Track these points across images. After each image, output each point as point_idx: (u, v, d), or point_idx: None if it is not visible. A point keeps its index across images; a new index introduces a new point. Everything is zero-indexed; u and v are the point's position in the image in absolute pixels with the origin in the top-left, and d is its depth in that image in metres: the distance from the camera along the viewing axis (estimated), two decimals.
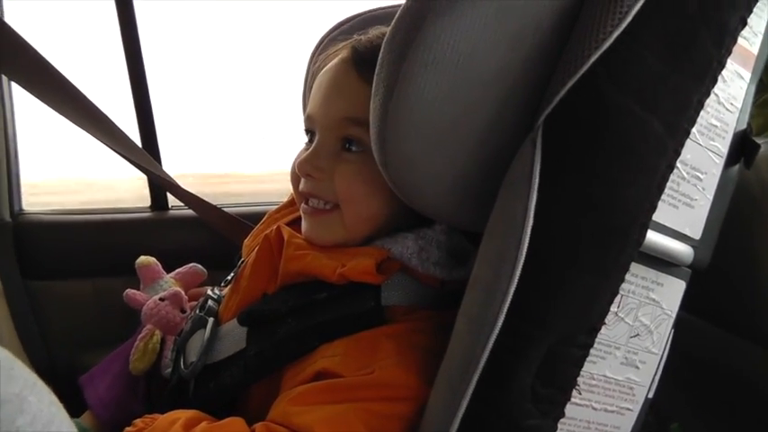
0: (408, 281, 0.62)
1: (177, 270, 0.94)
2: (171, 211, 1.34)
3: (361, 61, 0.62)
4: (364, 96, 0.54)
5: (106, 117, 1.13)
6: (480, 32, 0.45)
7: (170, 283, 0.90)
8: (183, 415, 0.58)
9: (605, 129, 0.43)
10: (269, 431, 0.54)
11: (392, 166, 0.52)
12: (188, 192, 1.18)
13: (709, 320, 0.73)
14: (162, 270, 0.92)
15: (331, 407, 0.53)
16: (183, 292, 0.85)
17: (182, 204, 1.23)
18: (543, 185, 0.43)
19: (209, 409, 0.61)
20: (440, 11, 0.45)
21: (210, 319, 0.71)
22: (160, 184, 1.26)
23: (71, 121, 1.11)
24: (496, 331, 0.43)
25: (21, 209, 1.31)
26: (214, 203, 1.21)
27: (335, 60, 0.65)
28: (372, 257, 0.61)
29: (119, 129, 1.14)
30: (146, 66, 1.29)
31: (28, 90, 1.11)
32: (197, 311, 0.75)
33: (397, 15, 0.48)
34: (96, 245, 1.30)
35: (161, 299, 0.83)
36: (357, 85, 0.61)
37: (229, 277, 0.78)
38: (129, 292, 0.87)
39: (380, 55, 0.49)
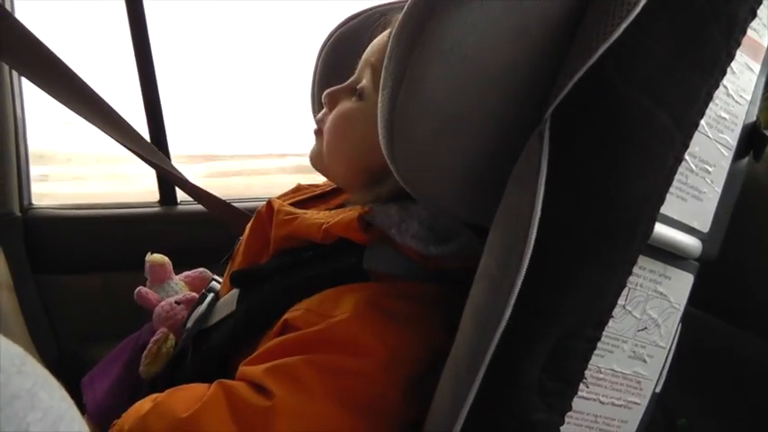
0: (390, 250, 0.63)
1: (186, 273, 0.95)
2: (179, 206, 1.35)
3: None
4: (382, 47, 0.65)
5: (115, 112, 1.13)
6: (488, 25, 0.45)
7: (180, 285, 0.90)
8: (153, 396, 0.60)
9: (613, 121, 0.43)
10: (223, 387, 0.56)
11: (399, 158, 0.52)
12: (196, 186, 1.18)
13: (717, 315, 0.73)
14: (172, 271, 0.92)
15: (283, 359, 0.55)
16: (197, 297, 0.84)
17: (190, 199, 1.23)
18: (551, 178, 0.43)
19: (203, 374, 0.63)
20: (447, 4, 0.45)
21: (210, 294, 0.75)
22: (169, 179, 1.26)
23: (80, 115, 1.12)
24: (503, 324, 0.43)
25: (30, 203, 1.32)
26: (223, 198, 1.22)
27: None
28: (356, 212, 0.62)
29: (128, 123, 1.15)
30: (155, 60, 1.29)
31: (37, 85, 1.12)
32: (202, 291, 0.79)
33: (405, 9, 0.48)
34: (105, 239, 1.31)
35: (177, 302, 0.83)
36: (385, 38, 0.68)
37: (226, 257, 0.81)
38: (142, 290, 0.86)
39: (389, 48, 0.49)
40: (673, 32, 0.44)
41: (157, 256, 0.92)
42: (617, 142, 0.43)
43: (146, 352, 0.78)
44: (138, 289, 0.86)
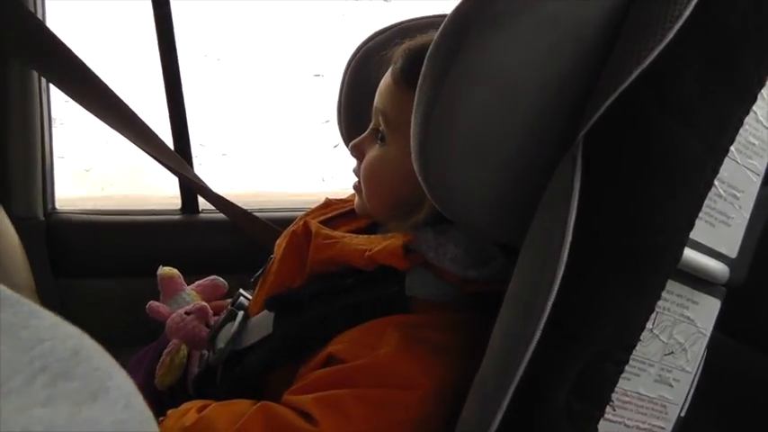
0: (429, 275, 0.64)
1: (198, 282, 0.95)
2: (201, 215, 1.36)
3: (396, 66, 0.68)
4: (389, 93, 0.67)
5: (139, 119, 1.15)
6: (520, 47, 0.46)
7: (192, 295, 0.91)
8: (195, 404, 0.62)
9: (646, 146, 0.43)
10: (268, 409, 0.57)
11: (431, 178, 0.53)
12: (218, 195, 1.19)
13: (743, 341, 0.72)
14: (183, 282, 0.93)
15: (329, 391, 0.56)
16: (208, 307, 0.85)
17: (212, 208, 1.24)
18: (582, 202, 0.43)
19: (236, 394, 0.64)
20: (482, 26, 0.46)
21: (240, 312, 0.74)
22: (191, 187, 1.27)
23: (105, 122, 1.14)
24: (533, 346, 0.43)
25: (54, 208, 1.34)
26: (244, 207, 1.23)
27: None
28: (399, 240, 0.63)
29: (152, 131, 1.16)
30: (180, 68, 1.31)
31: (65, 92, 1.14)
32: (229, 307, 0.78)
33: (440, 30, 0.49)
34: (126, 245, 1.32)
35: (187, 313, 0.83)
36: (389, 83, 0.68)
37: (258, 274, 0.81)
38: (153, 304, 0.87)
39: (423, 68, 0.50)
40: (706, 59, 0.44)
41: (167, 270, 0.93)
42: (649, 167, 0.43)
43: (159, 363, 0.79)
44: (149, 303, 0.87)
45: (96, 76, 1.12)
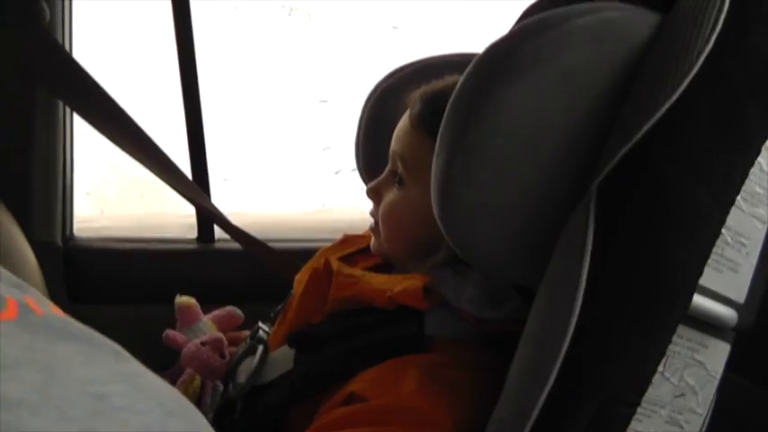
0: (448, 315, 0.65)
1: (214, 312, 0.96)
2: (217, 244, 1.38)
3: (414, 110, 0.70)
4: (408, 138, 0.70)
5: (161, 150, 1.18)
6: (539, 99, 0.49)
7: (208, 325, 0.92)
8: None
9: (657, 197, 0.46)
10: None
11: (449, 222, 0.55)
12: (234, 225, 1.21)
13: (755, 381, 0.74)
14: (200, 312, 0.94)
15: (352, 429, 0.57)
16: (223, 338, 0.85)
17: (227, 237, 1.26)
18: (596, 249, 0.45)
19: (254, 429, 0.67)
20: (503, 77, 0.48)
21: (260, 347, 0.75)
22: (208, 217, 1.29)
23: (127, 152, 1.16)
24: (548, 389, 0.44)
25: (71, 234, 1.36)
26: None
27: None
28: (420, 281, 0.65)
29: (170, 160, 1.19)
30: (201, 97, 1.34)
31: (88, 122, 1.17)
32: (248, 341, 0.79)
33: (462, 79, 0.51)
34: (142, 273, 1.34)
35: (202, 343, 0.84)
36: (406, 127, 0.71)
37: (278, 309, 0.83)
38: (170, 333, 0.88)
39: (446, 115, 0.52)
40: (713, 113, 0.47)
41: (185, 299, 0.94)
42: (660, 217, 0.46)
43: None
44: (165, 332, 0.88)
45: (120, 108, 1.15)
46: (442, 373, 0.61)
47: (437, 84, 0.71)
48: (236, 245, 1.25)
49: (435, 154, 0.53)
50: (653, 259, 0.46)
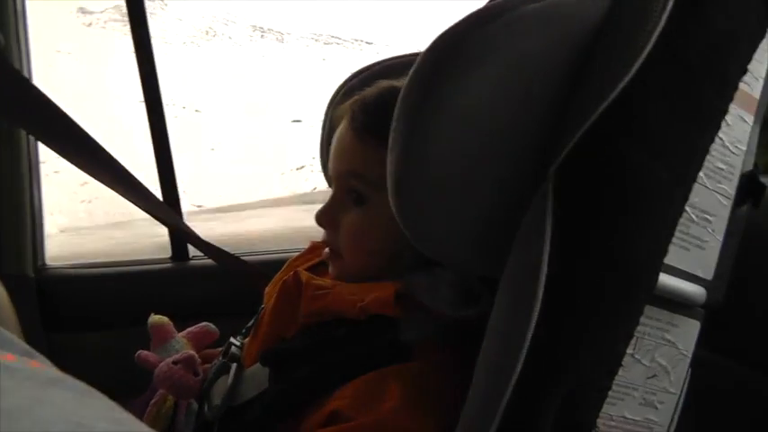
0: (423, 317, 0.64)
1: (188, 329, 0.94)
2: (191, 261, 1.36)
3: (357, 123, 0.67)
4: (360, 153, 0.66)
5: (126, 170, 1.16)
6: (490, 89, 0.48)
7: (181, 343, 0.89)
8: None
9: (614, 179, 0.45)
10: None
11: (408, 217, 0.55)
12: (207, 242, 1.20)
13: (731, 358, 0.73)
14: (173, 330, 0.91)
15: None
16: (195, 355, 0.83)
17: (201, 254, 1.25)
18: (555, 236, 0.44)
19: None
20: (453, 67, 0.47)
21: (234, 365, 0.73)
22: (180, 236, 1.28)
23: (91, 175, 1.14)
24: (514, 379, 0.44)
25: (44, 263, 1.34)
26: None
27: (343, 120, 0.71)
28: (390, 289, 0.63)
29: (139, 182, 1.17)
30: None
31: (53, 149, 1.15)
32: (220, 358, 0.77)
33: (411, 72, 0.50)
34: (118, 297, 1.32)
35: (174, 362, 0.82)
36: (354, 142, 0.68)
37: (250, 324, 0.80)
38: (142, 353, 0.86)
39: (396, 110, 0.51)
40: (668, 92, 0.46)
41: (157, 318, 0.92)
42: (618, 198, 0.45)
43: (145, 415, 0.78)
44: (137, 353, 0.86)
45: (86, 133, 1.13)
46: (423, 383, 0.60)
47: (371, 91, 0.69)
48: (210, 261, 1.24)
49: (389, 150, 0.52)
50: (613, 243, 0.45)
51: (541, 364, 0.44)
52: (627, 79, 0.44)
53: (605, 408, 0.48)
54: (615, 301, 0.45)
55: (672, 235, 0.48)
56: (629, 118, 0.45)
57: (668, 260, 0.48)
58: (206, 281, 1.34)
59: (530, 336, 0.43)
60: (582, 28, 0.51)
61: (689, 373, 0.54)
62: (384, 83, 0.69)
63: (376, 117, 0.65)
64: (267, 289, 0.79)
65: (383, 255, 0.69)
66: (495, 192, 0.52)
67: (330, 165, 0.72)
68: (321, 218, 0.71)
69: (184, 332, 0.93)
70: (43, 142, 1.20)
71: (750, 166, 0.56)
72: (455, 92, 0.48)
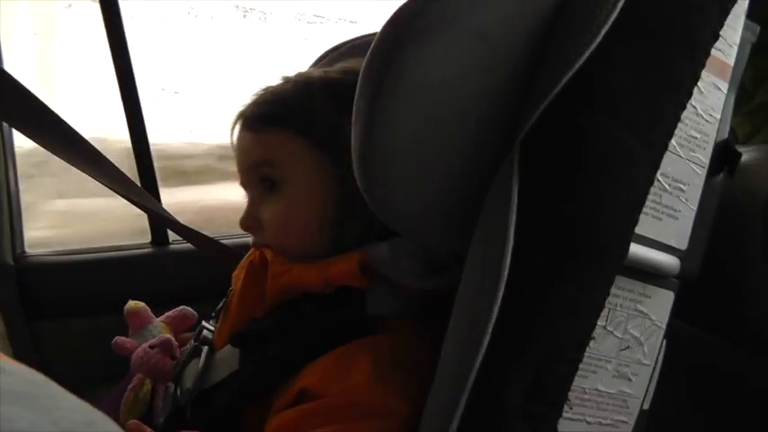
0: (388, 290, 0.63)
1: (166, 314, 0.93)
2: (171, 246, 1.36)
3: (250, 121, 0.69)
4: (260, 142, 0.68)
5: (102, 156, 1.14)
6: (453, 58, 0.47)
7: (159, 328, 0.89)
8: None
9: (579, 148, 0.44)
10: None
11: (374, 192, 0.54)
12: (187, 227, 1.19)
13: (707, 329, 0.73)
14: (151, 315, 0.91)
15: (309, 431, 0.55)
16: (173, 339, 0.82)
17: (181, 239, 1.24)
18: (522, 205, 0.44)
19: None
20: (412, 39, 0.46)
21: (205, 348, 0.73)
22: (159, 221, 1.27)
23: (66, 160, 1.13)
24: (482, 351, 0.43)
25: (23, 251, 1.33)
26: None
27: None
28: (354, 259, 0.63)
29: (115, 167, 1.16)
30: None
31: (23, 132, 1.13)
32: (192, 342, 0.76)
33: (372, 46, 0.49)
34: (98, 283, 1.32)
35: (151, 346, 0.81)
36: (252, 138, 0.69)
37: (219, 307, 0.80)
38: (119, 339, 0.85)
39: (358, 84, 0.50)
40: (634, 58, 0.46)
41: (132, 304, 0.91)
42: (584, 168, 0.44)
43: (123, 400, 0.77)
44: (114, 340, 0.85)
45: (57, 116, 1.11)
46: (392, 356, 0.59)
47: (279, 83, 0.71)
48: (191, 245, 1.23)
49: (353, 124, 0.51)
50: (579, 210, 0.44)
51: (508, 336, 0.44)
52: (592, 47, 0.44)
53: (577, 381, 0.47)
54: (582, 272, 0.45)
55: (642, 203, 0.47)
56: (594, 87, 0.45)
57: (640, 230, 0.48)
58: (187, 265, 1.33)
59: (496, 308, 0.42)
60: None
61: (664, 344, 0.54)
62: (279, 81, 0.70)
63: (269, 105, 0.67)
64: (235, 273, 0.78)
65: (317, 229, 0.68)
66: (462, 165, 0.51)
67: (238, 171, 0.72)
68: (245, 222, 0.71)
69: (162, 317, 0.93)
70: (15, 127, 1.19)
71: (725, 135, 0.56)
72: (415, 63, 0.47)
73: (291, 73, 0.71)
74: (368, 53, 0.49)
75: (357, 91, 0.50)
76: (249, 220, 0.71)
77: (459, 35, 0.47)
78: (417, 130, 0.49)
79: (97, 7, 1.28)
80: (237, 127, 0.71)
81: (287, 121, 0.66)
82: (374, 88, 0.48)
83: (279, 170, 0.67)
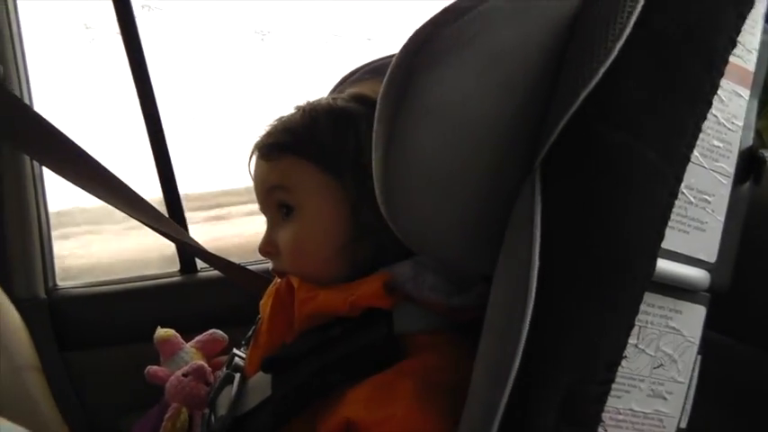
0: (415, 308, 0.64)
1: (197, 338, 0.94)
2: (200, 274, 1.37)
3: (265, 149, 0.71)
4: (275, 169, 0.69)
5: (130, 189, 1.16)
6: (469, 81, 0.47)
7: (191, 353, 0.90)
8: None
9: (599, 164, 0.44)
10: None
11: (398, 218, 0.54)
12: (213, 254, 1.20)
13: (742, 340, 0.72)
14: (181, 341, 0.92)
15: None
16: (205, 365, 0.84)
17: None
18: (545, 226, 0.43)
19: None
20: (428, 63, 0.46)
21: (237, 375, 0.73)
22: (187, 250, 1.28)
23: (98, 197, 1.15)
24: (513, 374, 0.43)
25: (55, 284, 1.36)
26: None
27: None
28: (379, 280, 0.63)
29: (143, 199, 1.18)
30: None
31: (53, 170, 1.15)
32: (224, 369, 0.77)
33: (389, 71, 0.50)
34: (129, 313, 1.34)
35: (184, 374, 0.82)
36: (267, 165, 0.70)
37: (249, 335, 0.81)
38: (150, 369, 0.86)
39: (377, 110, 0.51)
40: (650, 71, 0.45)
41: (162, 332, 0.93)
42: (604, 184, 0.44)
43: (161, 430, 0.78)
44: (146, 369, 0.86)
45: (87, 154, 1.13)
46: (431, 377, 0.59)
47: (290, 113, 0.72)
48: (219, 272, 1.25)
49: (373, 151, 0.51)
50: (603, 227, 0.44)
51: (538, 359, 0.43)
52: (608, 63, 0.43)
53: (611, 401, 0.46)
54: (610, 289, 0.44)
55: (667, 218, 0.46)
56: (611, 102, 0.44)
57: (667, 245, 0.47)
58: (216, 292, 1.35)
59: (525, 331, 0.42)
60: (560, 14, 0.50)
61: (698, 359, 0.53)
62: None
63: (279, 132, 0.69)
64: (262, 301, 0.79)
65: (332, 253, 0.68)
66: (484, 186, 0.51)
67: (257, 198, 0.74)
68: (263, 248, 0.73)
69: (193, 341, 0.94)
70: (45, 165, 1.21)
71: (749, 142, 0.55)
72: (432, 88, 0.47)
73: (303, 101, 0.73)
74: (385, 79, 0.49)
75: (376, 117, 0.50)
76: (267, 246, 0.72)
77: (474, 57, 0.47)
78: (438, 154, 0.49)
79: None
80: (254, 158, 0.73)
81: (296, 148, 0.67)
82: (391, 114, 0.48)
83: (292, 195, 0.69)
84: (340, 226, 0.66)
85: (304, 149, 0.67)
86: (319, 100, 0.73)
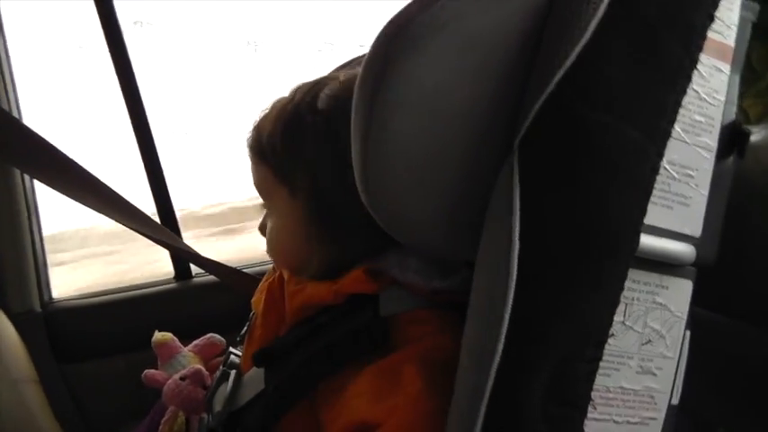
0: (400, 291, 0.64)
1: (194, 342, 0.94)
2: (195, 279, 1.37)
3: (249, 144, 0.72)
4: (252, 170, 0.71)
5: (122, 198, 1.16)
6: (444, 66, 0.47)
7: (188, 357, 0.90)
8: None
9: (578, 143, 0.44)
10: None
11: (378, 207, 0.54)
12: (207, 259, 1.20)
13: (735, 317, 0.71)
14: (179, 345, 0.93)
15: None
16: (203, 369, 0.84)
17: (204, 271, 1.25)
18: (525, 208, 0.43)
19: None
20: (400, 53, 0.46)
21: (233, 371, 0.74)
22: (181, 256, 1.28)
23: (87, 205, 1.15)
24: (497, 358, 0.42)
25: (50, 297, 1.36)
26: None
27: None
28: (362, 268, 0.64)
29: (136, 208, 1.18)
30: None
31: (45, 183, 1.15)
32: (221, 368, 0.78)
33: (364, 60, 0.49)
34: (125, 322, 1.35)
35: (182, 378, 0.82)
36: (253, 162, 0.72)
37: (243, 332, 0.81)
38: (148, 373, 0.87)
39: (354, 100, 0.50)
40: (627, 48, 0.45)
41: (159, 336, 0.93)
42: (584, 163, 0.44)
43: None
44: (144, 373, 0.87)
45: (78, 165, 1.13)
46: (438, 357, 0.58)
47: (266, 110, 0.72)
48: (213, 277, 1.25)
49: (352, 140, 0.51)
50: (583, 208, 0.44)
51: (522, 340, 0.43)
52: (583, 42, 0.43)
53: (600, 380, 0.46)
54: (592, 268, 0.44)
55: (649, 193, 0.46)
56: (588, 82, 0.44)
57: (651, 220, 0.47)
58: (211, 297, 1.35)
59: (508, 313, 0.42)
60: None
61: (687, 335, 0.53)
62: (277, 102, 0.72)
63: (254, 139, 0.70)
64: (254, 298, 0.80)
65: (298, 253, 0.70)
66: (463, 171, 0.51)
67: None
68: (260, 229, 0.76)
69: (191, 345, 0.94)
70: (35, 177, 1.21)
71: (732, 116, 0.54)
72: (407, 76, 0.47)
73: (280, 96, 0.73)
74: (361, 68, 0.49)
75: (353, 107, 0.50)
76: (262, 228, 0.75)
77: (448, 44, 0.47)
78: (413, 142, 0.49)
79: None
80: None
81: (258, 152, 0.70)
82: (368, 103, 0.48)
83: (263, 195, 0.73)
84: (302, 229, 0.67)
85: (263, 155, 0.69)
86: (286, 99, 0.71)
